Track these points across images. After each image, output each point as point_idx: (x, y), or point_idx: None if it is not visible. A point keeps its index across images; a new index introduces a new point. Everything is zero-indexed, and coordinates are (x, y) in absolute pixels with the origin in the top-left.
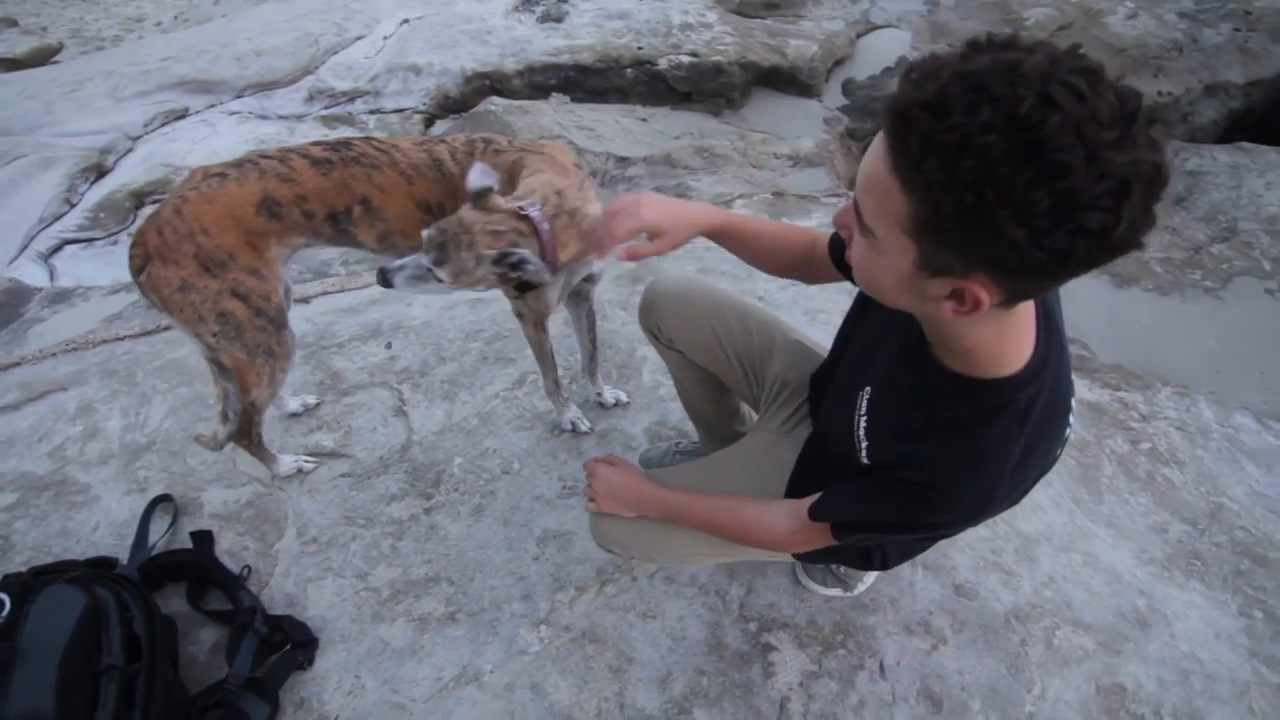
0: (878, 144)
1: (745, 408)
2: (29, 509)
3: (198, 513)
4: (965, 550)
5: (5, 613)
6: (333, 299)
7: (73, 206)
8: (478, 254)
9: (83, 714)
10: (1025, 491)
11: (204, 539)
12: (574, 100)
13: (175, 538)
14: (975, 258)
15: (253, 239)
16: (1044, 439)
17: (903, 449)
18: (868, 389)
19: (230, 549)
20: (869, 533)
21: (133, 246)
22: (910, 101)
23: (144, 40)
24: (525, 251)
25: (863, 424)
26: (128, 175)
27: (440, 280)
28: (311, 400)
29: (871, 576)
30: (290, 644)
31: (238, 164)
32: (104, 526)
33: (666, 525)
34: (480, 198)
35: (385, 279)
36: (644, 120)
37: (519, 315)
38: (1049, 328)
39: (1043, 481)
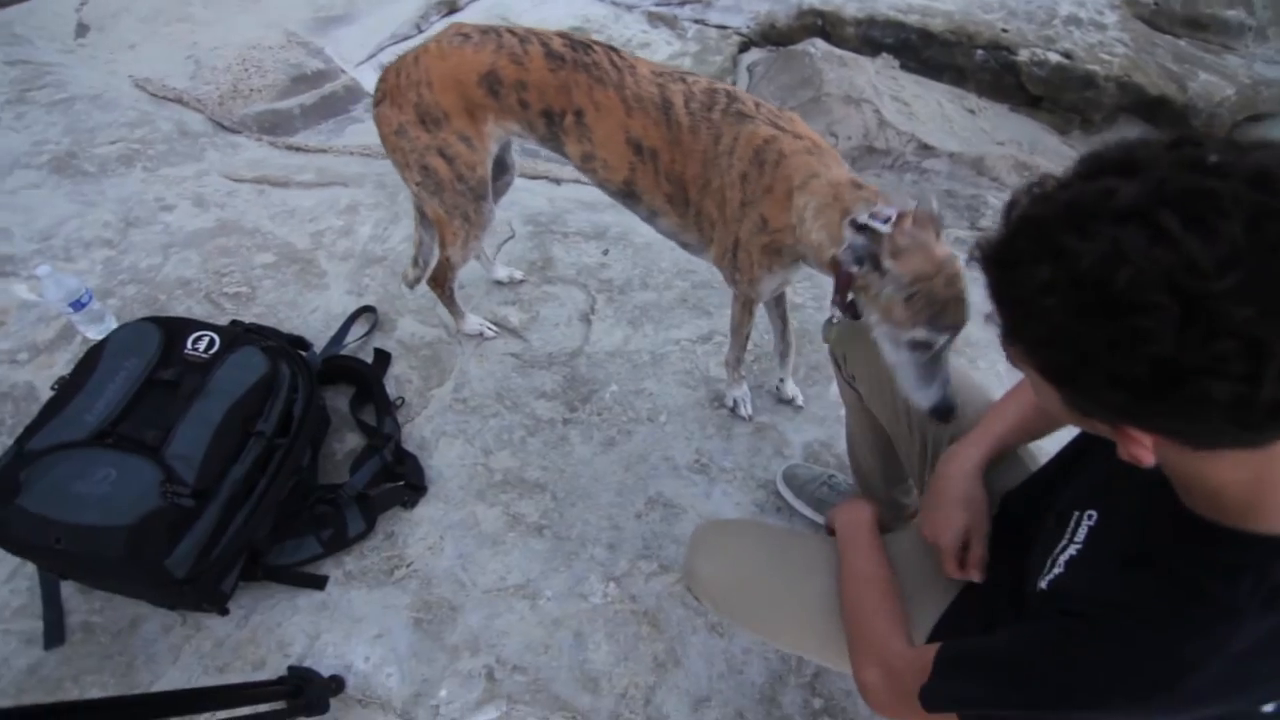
0: None
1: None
2: (278, 272)
3: (390, 331)
4: None
5: (214, 350)
6: (579, 189)
7: (420, 31)
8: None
9: (226, 460)
10: (1250, 712)
11: (383, 359)
12: (902, 67)
13: (365, 345)
14: (1108, 411)
15: (471, 107)
16: None
17: (1096, 582)
18: (1093, 514)
19: (399, 375)
20: (981, 701)
21: (379, 80)
22: (984, 244)
23: None
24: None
25: (1071, 551)
26: (469, 17)
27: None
28: (518, 275)
29: None
30: (405, 481)
31: (485, 30)
32: (321, 311)
33: (776, 600)
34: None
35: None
36: (971, 112)
37: (733, 284)
38: None
39: None
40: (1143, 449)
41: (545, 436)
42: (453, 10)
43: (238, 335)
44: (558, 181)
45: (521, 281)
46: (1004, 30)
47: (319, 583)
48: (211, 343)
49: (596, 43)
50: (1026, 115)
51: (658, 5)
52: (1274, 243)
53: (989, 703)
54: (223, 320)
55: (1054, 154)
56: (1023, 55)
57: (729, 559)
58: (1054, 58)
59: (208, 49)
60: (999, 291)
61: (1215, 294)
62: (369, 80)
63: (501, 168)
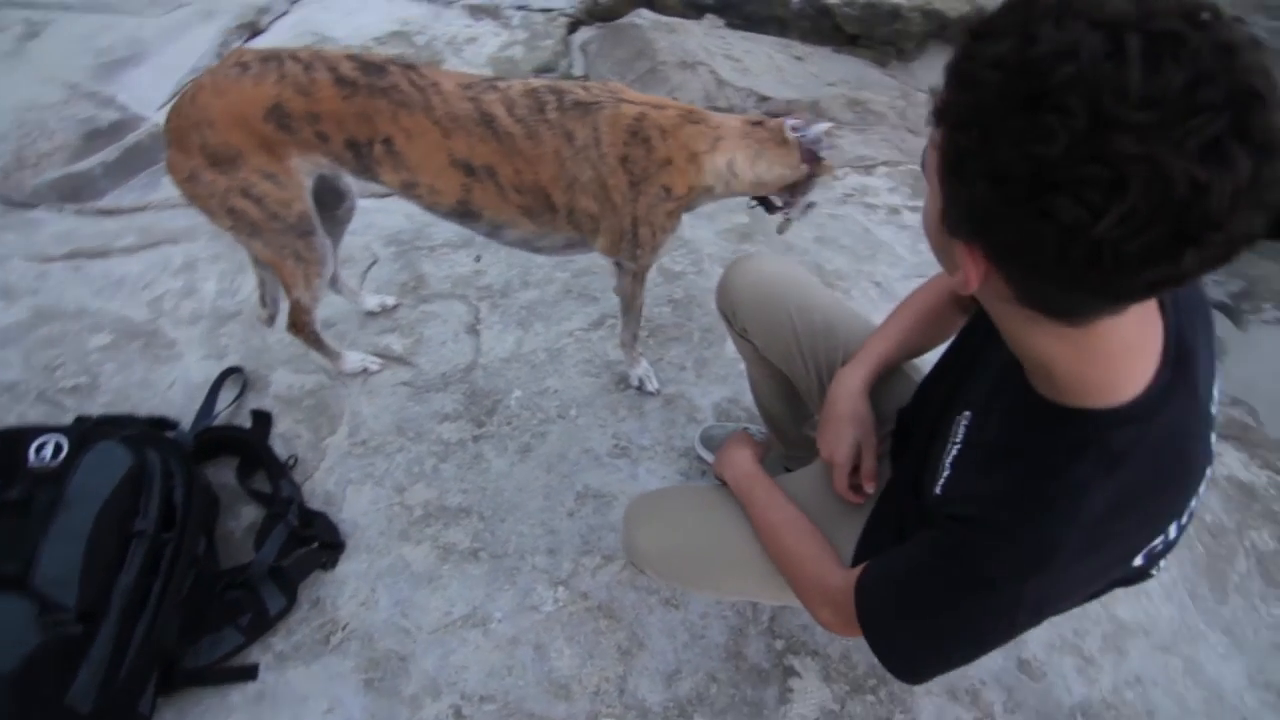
0: None
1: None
2: (119, 353)
3: (264, 390)
4: (1044, 624)
5: (62, 456)
6: None
7: None
8: None
9: (108, 571)
10: (1116, 567)
11: (263, 420)
12: (728, 25)
13: (239, 410)
14: (968, 218)
15: (266, 144)
16: (1145, 503)
17: (976, 480)
18: (967, 413)
19: (285, 433)
20: (906, 612)
21: (165, 123)
22: (969, 19)
23: None
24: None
25: (953, 451)
26: (277, 38)
27: None
28: (390, 301)
29: None
30: (318, 542)
31: (265, 58)
32: (180, 384)
33: (713, 553)
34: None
35: None
36: (799, 59)
37: (619, 265)
38: (1179, 369)
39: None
40: (973, 272)
41: (458, 459)
42: (256, 33)
43: (87, 432)
44: None
45: (396, 306)
46: None
47: (249, 673)
48: (58, 448)
49: (391, 62)
50: (848, 54)
51: None
52: (1197, 103)
53: (912, 613)
54: (67, 420)
55: (880, 86)
56: None
57: (662, 526)
58: None
59: None
60: (957, 61)
61: (1120, 122)
62: None
63: (336, 195)
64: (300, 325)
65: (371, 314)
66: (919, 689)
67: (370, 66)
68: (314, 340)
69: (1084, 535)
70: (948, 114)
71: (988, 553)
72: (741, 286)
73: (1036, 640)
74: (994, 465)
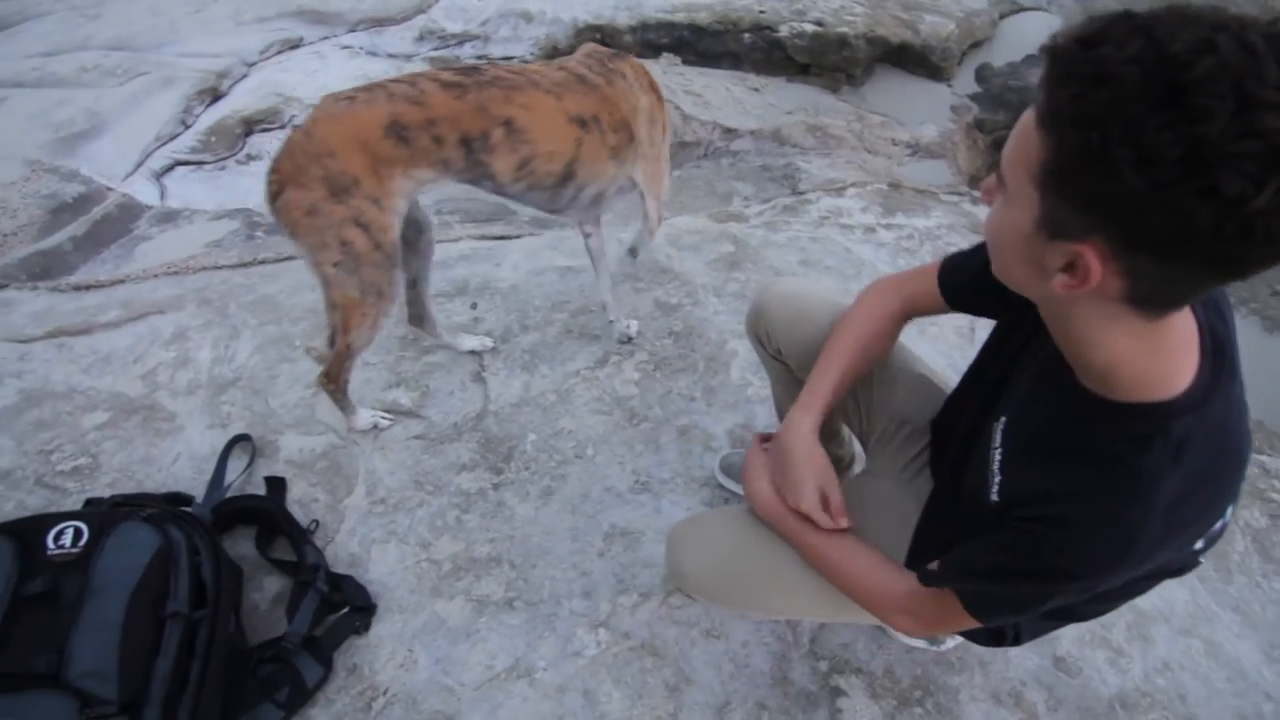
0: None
1: (846, 429)
2: (118, 430)
3: (274, 456)
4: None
5: (83, 541)
6: None
7: (187, 128)
8: None
9: (146, 658)
10: (1186, 552)
11: (277, 486)
12: (685, 62)
13: (250, 479)
14: (1093, 214)
15: (378, 165)
16: (1206, 487)
17: (1036, 481)
18: (1003, 419)
19: (301, 499)
20: (992, 602)
21: (270, 173)
22: (1065, 34)
23: None
24: None
25: (997, 457)
26: (240, 101)
27: None
28: (489, 343)
29: (959, 636)
30: (349, 607)
31: (366, 88)
32: (185, 458)
33: (761, 573)
34: None
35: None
36: (756, 90)
37: (656, 187)
38: (1217, 360)
39: None
40: (1094, 269)
41: (480, 508)
42: (218, 97)
43: (107, 515)
44: None
45: (494, 348)
46: (761, 12)
47: None
48: (78, 534)
49: (477, 64)
50: (801, 83)
51: (436, 50)
52: None
53: (1004, 611)
54: (71, 504)
55: (835, 111)
56: (783, 31)
57: (706, 549)
58: (809, 28)
59: None
60: (1066, 68)
61: (1265, 102)
62: (145, 193)
63: (417, 227)
64: (337, 373)
65: (472, 353)
66: (963, 695)
67: (466, 69)
68: (343, 391)
69: (1159, 521)
70: (1065, 117)
71: (1068, 550)
72: (774, 308)
73: (1068, 637)
74: (1049, 465)
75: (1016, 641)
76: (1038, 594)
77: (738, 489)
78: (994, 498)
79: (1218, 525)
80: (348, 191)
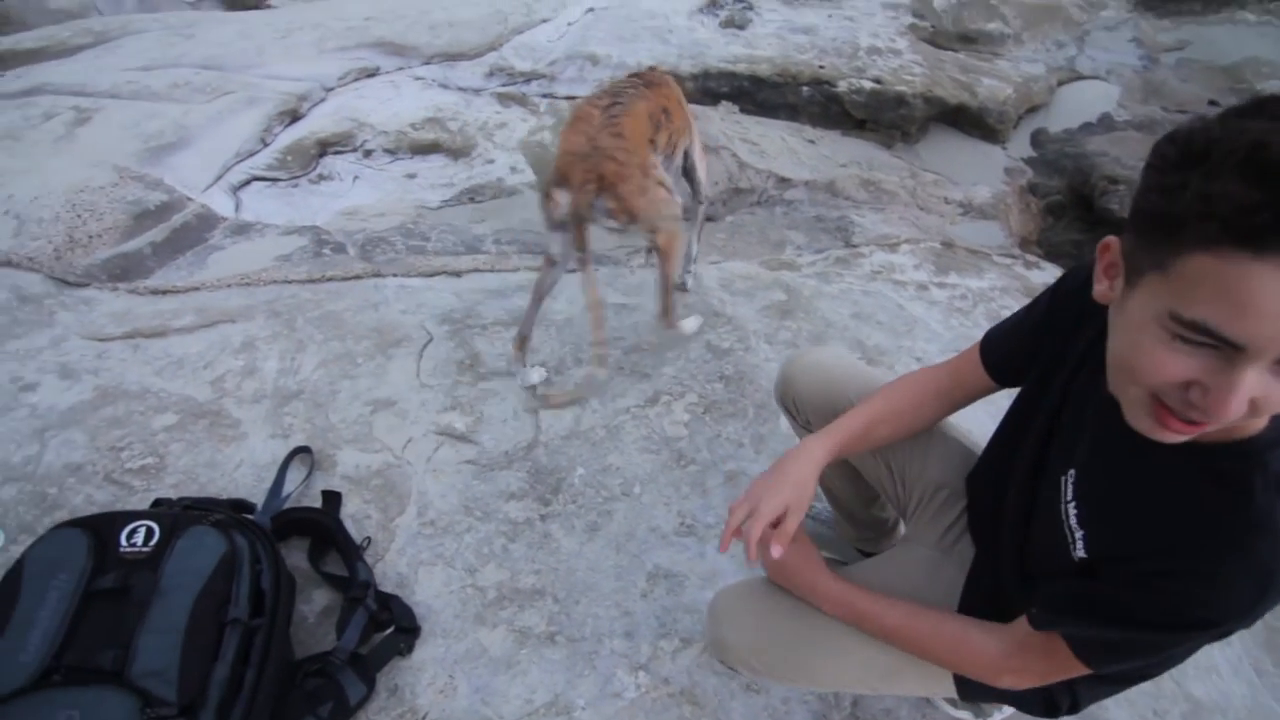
0: None
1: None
2: (185, 433)
3: (331, 470)
4: (1123, 703)
5: (155, 541)
6: (483, 277)
7: (266, 146)
8: None
9: (205, 662)
10: None
11: (333, 500)
12: (742, 111)
13: (308, 491)
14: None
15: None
16: None
17: (1136, 535)
18: (1071, 471)
19: (354, 514)
20: (1107, 648)
21: (583, 185)
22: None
23: None
24: None
25: (1073, 511)
26: (317, 124)
27: None
28: (543, 373)
29: (1009, 708)
30: (395, 627)
31: (600, 95)
32: (246, 465)
33: (815, 646)
34: None
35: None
36: (811, 142)
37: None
38: None
39: (1223, 641)
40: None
41: (527, 538)
42: (297, 118)
43: (178, 517)
44: (457, 274)
45: (546, 379)
46: (820, 67)
47: None
48: (150, 533)
49: (635, 74)
50: (857, 137)
51: (504, 86)
52: None
53: (1132, 655)
54: (136, 501)
55: (889, 167)
56: (841, 86)
57: (752, 621)
58: (868, 85)
59: (27, 201)
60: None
61: None
62: (221, 204)
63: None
64: (669, 309)
65: (532, 386)
66: None
67: (618, 90)
68: (674, 322)
69: None
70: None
71: (1213, 602)
72: (801, 379)
73: None
74: (1145, 517)
75: (1073, 709)
76: (1171, 641)
77: None
78: (1080, 554)
79: None
80: (645, 166)
